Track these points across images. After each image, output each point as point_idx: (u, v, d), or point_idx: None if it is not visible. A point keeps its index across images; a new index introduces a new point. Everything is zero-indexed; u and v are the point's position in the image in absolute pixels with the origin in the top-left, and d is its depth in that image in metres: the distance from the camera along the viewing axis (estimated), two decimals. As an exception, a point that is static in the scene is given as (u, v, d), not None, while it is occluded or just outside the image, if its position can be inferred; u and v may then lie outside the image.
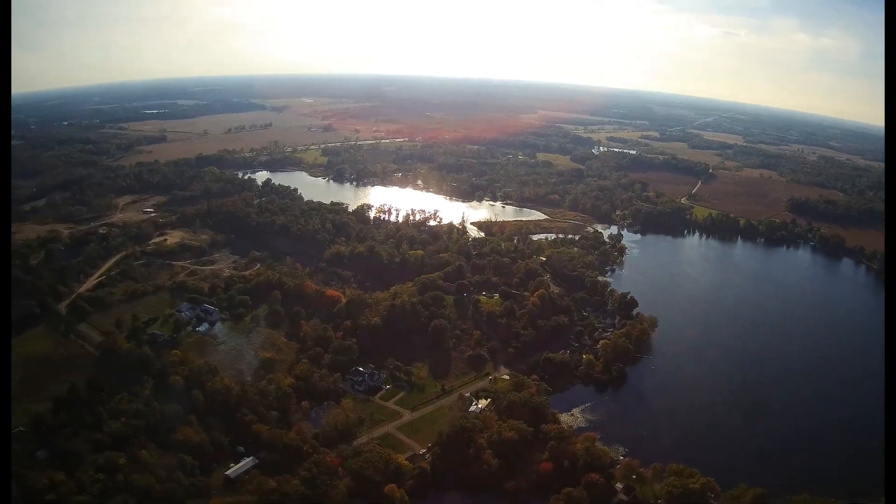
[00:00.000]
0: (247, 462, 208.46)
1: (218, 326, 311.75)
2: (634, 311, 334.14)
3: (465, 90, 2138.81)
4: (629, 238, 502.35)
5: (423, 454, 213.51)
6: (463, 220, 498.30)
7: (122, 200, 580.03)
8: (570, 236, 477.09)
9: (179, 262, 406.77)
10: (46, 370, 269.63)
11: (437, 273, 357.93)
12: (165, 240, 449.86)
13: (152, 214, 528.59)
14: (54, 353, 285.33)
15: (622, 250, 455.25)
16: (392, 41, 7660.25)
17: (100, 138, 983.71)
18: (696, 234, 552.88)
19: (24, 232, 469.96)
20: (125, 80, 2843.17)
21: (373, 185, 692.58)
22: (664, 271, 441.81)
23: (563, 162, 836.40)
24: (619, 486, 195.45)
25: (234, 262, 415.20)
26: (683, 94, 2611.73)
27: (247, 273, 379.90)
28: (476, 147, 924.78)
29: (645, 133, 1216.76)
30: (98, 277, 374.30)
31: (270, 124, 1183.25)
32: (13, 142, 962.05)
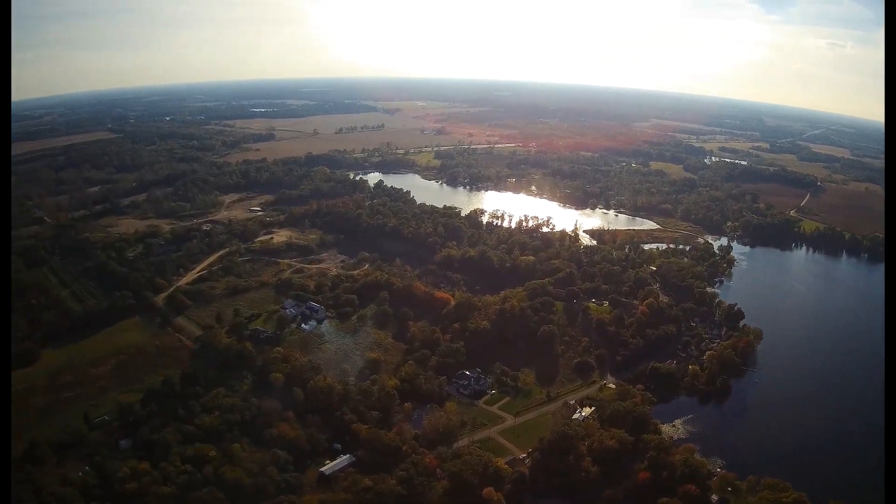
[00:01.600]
0: (343, 460, 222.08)
1: (323, 325, 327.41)
2: (741, 323, 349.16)
3: (579, 97, 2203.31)
4: (738, 250, 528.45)
5: (524, 459, 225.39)
6: (576, 228, 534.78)
7: (227, 198, 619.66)
8: (680, 246, 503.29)
9: (285, 260, 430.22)
10: (139, 361, 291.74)
11: (547, 279, 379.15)
12: (272, 238, 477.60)
13: (259, 213, 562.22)
14: (149, 344, 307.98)
15: (731, 262, 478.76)
16: (505, 47, 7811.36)
17: (204, 135, 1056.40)
18: (804, 247, 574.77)
19: (123, 226, 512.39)
20: (232, 78, 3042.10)
21: (486, 190, 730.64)
22: (771, 284, 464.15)
23: (675, 171, 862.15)
24: (714, 497, 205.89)
25: (341, 261, 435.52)
26: (792, 106, 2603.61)
27: (355, 273, 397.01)
28: (590, 154, 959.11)
29: (755, 144, 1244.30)
30: (199, 272, 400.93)
31: (382, 126, 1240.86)
32: (111, 135, 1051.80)
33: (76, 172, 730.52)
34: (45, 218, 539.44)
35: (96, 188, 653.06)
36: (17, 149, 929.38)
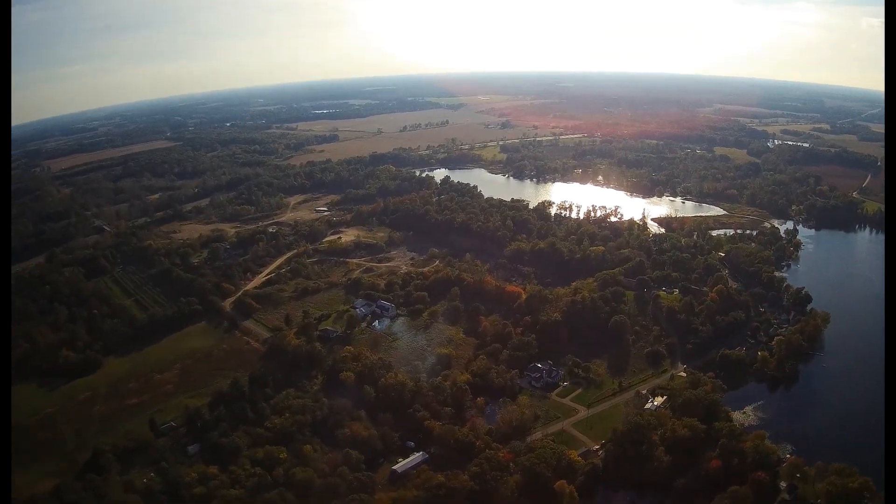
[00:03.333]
0: (416, 457, 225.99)
1: (394, 323, 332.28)
2: (808, 307, 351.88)
3: (641, 85, 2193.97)
4: (804, 233, 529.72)
5: (597, 451, 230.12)
6: (643, 216, 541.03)
7: (292, 199, 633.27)
8: (747, 231, 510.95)
9: (354, 260, 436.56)
10: (206, 366, 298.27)
11: (617, 269, 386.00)
12: (339, 238, 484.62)
13: (325, 213, 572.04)
14: (216, 349, 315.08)
15: (798, 245, 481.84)
16: (568, 38, 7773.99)
17: (266, 138, 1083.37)
18: (868, 228, 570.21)
19: (186, 232, 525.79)
20: (292, 81, 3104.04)
21: (553, 182, 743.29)
22: (837, 267, 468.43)
23: (739, 156, 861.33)
24: (783, 484, 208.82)
25: (411, 259, 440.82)
26: (850, 87, 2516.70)
27: (425, 270, 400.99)
28: (654, 142, 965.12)
29: (816, 125, 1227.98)
30: (267, 275, 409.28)
31: (447, 122, 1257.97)
32: (170, 143, 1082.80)
33: (135, 182, 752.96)
34: (105, 227, 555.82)
35: (157, 196, 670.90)
36: (72, 161, 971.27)
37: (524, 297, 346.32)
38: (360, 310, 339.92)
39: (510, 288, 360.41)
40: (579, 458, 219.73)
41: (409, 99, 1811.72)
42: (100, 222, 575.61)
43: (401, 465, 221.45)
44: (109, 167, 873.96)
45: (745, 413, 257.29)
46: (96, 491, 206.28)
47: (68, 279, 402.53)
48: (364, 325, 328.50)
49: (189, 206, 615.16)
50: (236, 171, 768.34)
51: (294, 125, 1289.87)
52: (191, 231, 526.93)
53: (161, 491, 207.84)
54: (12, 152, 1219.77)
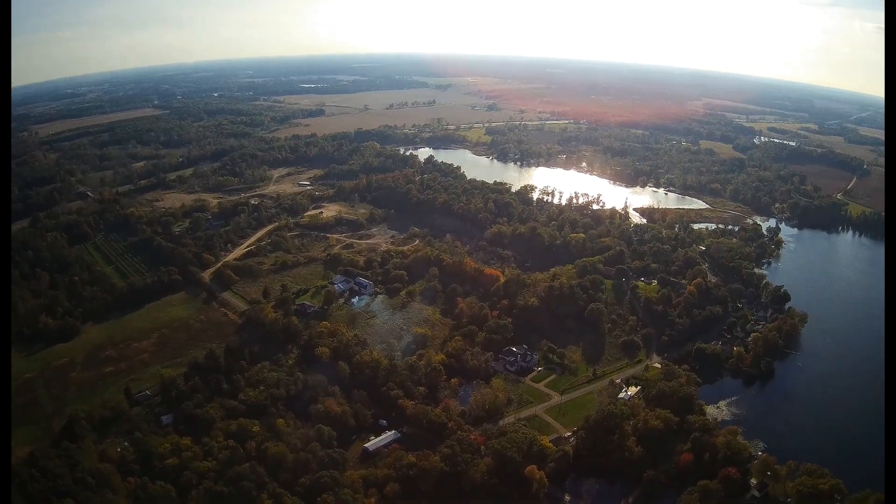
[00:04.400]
0: (388, 436, 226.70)
1: (372, 300, 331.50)
2: (786, 306, 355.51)
3: (632, 76, 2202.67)
4: (786, 232, 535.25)
5: (568, 438, 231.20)
6: (626, 206, 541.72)
7: (276, 172, 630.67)
8: (729, 227, 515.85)
9: (334, 235, 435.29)
10: (183, 336, 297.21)
11: (597, 257, 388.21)
12: (321, 213, 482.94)
13: (308, 187, 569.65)
14: (194, 319, 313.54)
15: (779, 244, 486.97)
16: (560, 24, 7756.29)
17: (253, 110, 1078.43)
18: (850, 230, 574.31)
19: (169, 201, 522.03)
20: (281, 55, 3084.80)
21: (537, 166, 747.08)
22: (817, 267, 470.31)
23: (724, 150, 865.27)
24: (753, 481, 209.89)
25: (391, 237, 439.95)
26: (842, 89, 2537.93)
27: (405, 248, 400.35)
28: (640, 132, 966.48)
29: (803, 125, 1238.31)
30: (247, 247, 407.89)
31: (434, 101, 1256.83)
32: (157, 111, 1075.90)
33: (121, 149, 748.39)
34: (89, 193, 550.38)
35: (141, 164, 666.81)
36: (59, 126, 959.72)
37: (503, 280, 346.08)
38: (339, 286, 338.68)
39: (489, 271, 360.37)
40: (551, 444, 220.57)
41: (397, 77, 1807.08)
42: (84, 188, 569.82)
43: (373, 443, 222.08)
44: (96, 133, 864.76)
45: (718, 408, 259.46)
46: (71, 459, 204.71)
47: (51, 244, 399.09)
48: (342, 301, 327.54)
49: (173, 175, 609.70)
50: (221, 142, 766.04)
51: (281, 98, 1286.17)
52: (173, 200, 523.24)
53: (134, 461, 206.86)
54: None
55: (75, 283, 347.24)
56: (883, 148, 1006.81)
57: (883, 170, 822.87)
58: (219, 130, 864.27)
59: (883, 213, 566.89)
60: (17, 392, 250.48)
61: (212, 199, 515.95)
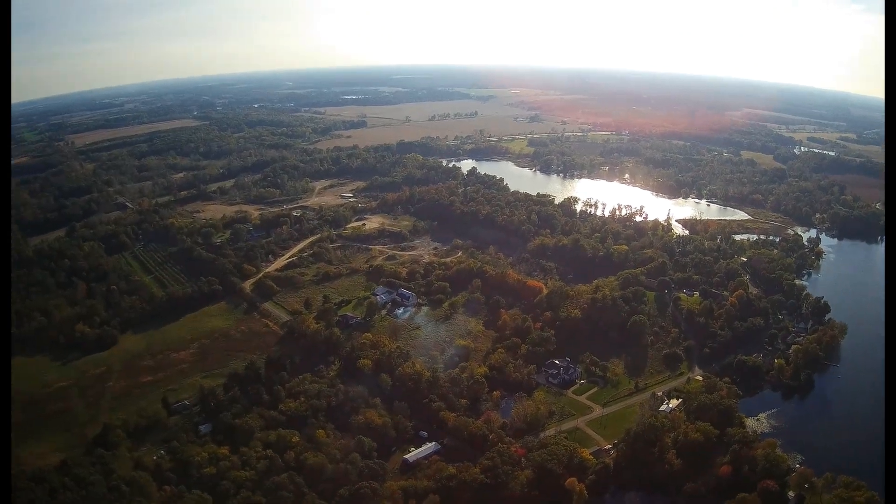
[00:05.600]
0: (428, 447, 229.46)
1: (414, 311, 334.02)
2: (826, 317, 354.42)
3: (671, 85, 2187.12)
4: (826, 242, 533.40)
5: (609, 450, 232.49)
6: (668, 217, 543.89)
7: (318, 184, 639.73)
8: (770, 237, 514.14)
9: (377, 247, 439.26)
10: (223, 346, 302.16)
11: (640, 269, 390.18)
12: (364, 224, 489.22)
13: (351, 199, 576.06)
14: (234, 329, 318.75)
15: (819, 254, 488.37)
16: (601, 35, 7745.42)
17: (294, 122, 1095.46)
18: None
19: (209, 212, 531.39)
20: (322, 66, 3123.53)
21: (579, 178, 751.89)
22: (857, 278, 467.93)
23: (765, 161, 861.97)
24: (791, 494, 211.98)
25: (434, 249, 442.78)
26: (877, 97, 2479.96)
27: (447, 260, 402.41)
28: (682, 143, 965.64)
29: (842, 134, 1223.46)
30: (288, 258, 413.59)
31: (476, 113, 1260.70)
32: (197, 122, 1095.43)
33: (160, 159, 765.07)
34: (128, 204, 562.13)
35: (181, 174, 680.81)
36: (96, 136, 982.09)
37: (545, 292, 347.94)
38: (381, 297, 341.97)
39: (532, 282, 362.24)
40: (591, 456, 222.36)
41: (439, 88, 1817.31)
42: (122, 199, 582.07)
43: (413, 454, 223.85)
44: (134, 144, 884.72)
45: (758, 420, 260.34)
46: (104, 466, 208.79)
47: (88, 254, 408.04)
48: (384, 312, 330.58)
49: (214, 187, 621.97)
50: (263, 154, 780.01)
51: (322, 109, 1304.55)
52: (214, 211, 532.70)
53: (170, 469, 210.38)
54: (37, 125, 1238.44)
55: (113, 292, 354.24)
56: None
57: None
58: (260, 142, 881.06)
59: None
60: (49, 400, 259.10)
61: (253, 211, 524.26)
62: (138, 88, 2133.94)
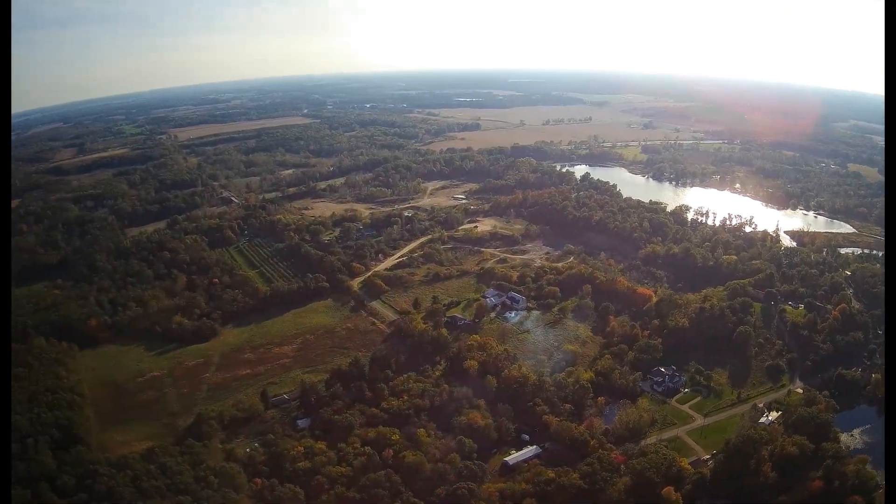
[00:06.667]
0: (529, 451, 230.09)
1: (523, 315, 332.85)
2: None
3: (782, 95, 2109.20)
4: None
5: (706, 460, 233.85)
6: (777, 228, 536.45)
7: (430, 185, 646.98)
8: (874, 252, 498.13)
9: (488, 250, 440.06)
10: (327, 343, 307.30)
11: (747, 279, 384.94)
12: (475, 227, 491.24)
13: (463, 201, 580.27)
14: (339, 326, 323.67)
15: None
16: (708, 42, 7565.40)
17: (406, 122, 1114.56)
18: None
19: (318, 209, 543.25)
20: (436, 68, 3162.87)
21: (691, 186, 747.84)
22: None
23: (871, 174, 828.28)
24: None
25: (546, 253, 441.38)
26: None
27: (559, 265, 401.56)
28: (791, 153, 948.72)
29: None
30: (398, 258, 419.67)
31: (590, 118, 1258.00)
32: (306, 120, 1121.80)
33: (268, 155, 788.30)
34: (233, 199, 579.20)
35: (290, 171, 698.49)
36: (201, 131, 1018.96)
37: (654, 300, 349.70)
38: (491, 300, 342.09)
39: (641, 290, 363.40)
40: (689, 466, 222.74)
41: (554, 93, 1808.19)
42: (227, 193, 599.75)
43: (513, 457, 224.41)
44: (241, 139, 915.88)
45: (852, 435, 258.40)
46: (194, 456, 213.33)
47: (189, 247, 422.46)
48: (493, 315, 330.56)
49: (323, 184, 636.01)
50: (374, 153, 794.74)
51: (436, 111, 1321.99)
52: (323, 209, 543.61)
53: (263, 462, 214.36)
54: (136, 118, 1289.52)
55: (215, 285, 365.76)
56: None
57: None
58: (371, 141, 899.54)
59: None
60: (140, 389, 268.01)
61: (363, 210, 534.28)
62: (245, 85, 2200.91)
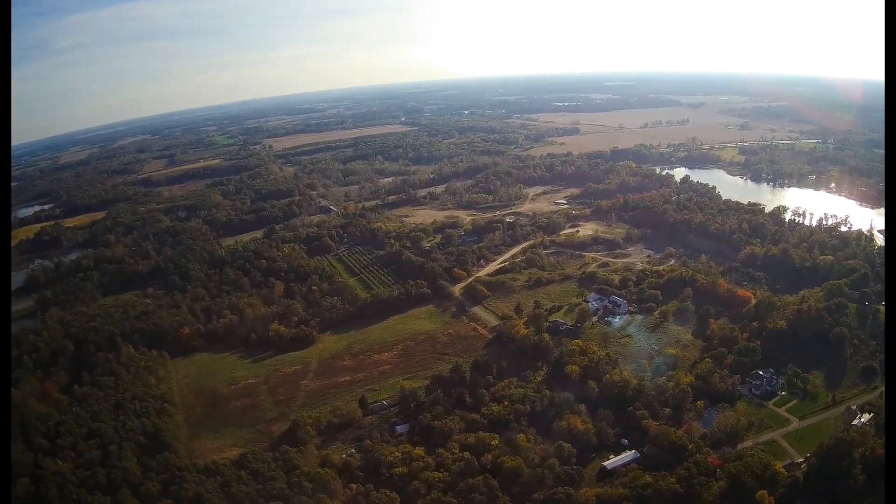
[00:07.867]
0: (627, 455, 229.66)
1: (625, 319, 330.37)
2: None
3: (870, 92, 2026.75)
4: None
5: (800, 464, 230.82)
6: (871, 228, 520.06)
7: (531, 191, 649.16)
8: None
9: (590, 254, 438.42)
10: (428, 349, 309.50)
11: (843, 280, 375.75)
12: (577, 231, 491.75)
13: (564, 206, 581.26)
14: (440, 333, 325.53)
15: None
16: (799, 40, 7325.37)
17: (505, 128, 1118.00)
18: None
19: (419, 217, 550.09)
20: (531, 73, 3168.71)
21: (788, 187, 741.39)
22: None
23: None
24: None
25: (647, 257, 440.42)
26: None
27: (660, 268, 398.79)
28: (881, 151, 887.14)
29: None
30: (500, 264, 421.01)
31: (687, 120, 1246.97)
32: (404, 128, 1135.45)
33: (366, 164, 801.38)
34: (332, 207, 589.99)
35: (389, 179, 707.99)
36: (296, 140, 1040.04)
37: (754, 302, 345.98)
38: (593, 304, 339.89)
39: (741, 292, 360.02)
40: (783, 469, 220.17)
41: (651, 95, 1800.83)
42: (326, 202, 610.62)
43: (611, 461, 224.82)
44: (338, 148, 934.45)
45: None
46: (287, 462, 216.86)
47: (287, 255, 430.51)
48: (595, 319, 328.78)
49: (423, 192, 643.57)
50: (474, 160, 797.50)
51: (535, 116, 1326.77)
52: (424, 216, 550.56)
53: (359, 468, 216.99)
54: (228, 129, 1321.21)
55: (313, 292, 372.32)
56: None
57: None
58: (471, 148, 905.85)
59: None
60: (234, 396, 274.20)
61: (465, 216, 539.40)
62: (339, 94, 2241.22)
